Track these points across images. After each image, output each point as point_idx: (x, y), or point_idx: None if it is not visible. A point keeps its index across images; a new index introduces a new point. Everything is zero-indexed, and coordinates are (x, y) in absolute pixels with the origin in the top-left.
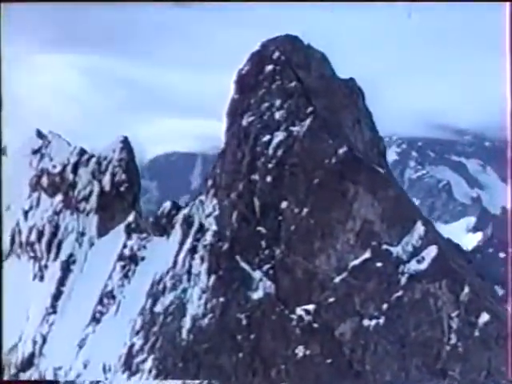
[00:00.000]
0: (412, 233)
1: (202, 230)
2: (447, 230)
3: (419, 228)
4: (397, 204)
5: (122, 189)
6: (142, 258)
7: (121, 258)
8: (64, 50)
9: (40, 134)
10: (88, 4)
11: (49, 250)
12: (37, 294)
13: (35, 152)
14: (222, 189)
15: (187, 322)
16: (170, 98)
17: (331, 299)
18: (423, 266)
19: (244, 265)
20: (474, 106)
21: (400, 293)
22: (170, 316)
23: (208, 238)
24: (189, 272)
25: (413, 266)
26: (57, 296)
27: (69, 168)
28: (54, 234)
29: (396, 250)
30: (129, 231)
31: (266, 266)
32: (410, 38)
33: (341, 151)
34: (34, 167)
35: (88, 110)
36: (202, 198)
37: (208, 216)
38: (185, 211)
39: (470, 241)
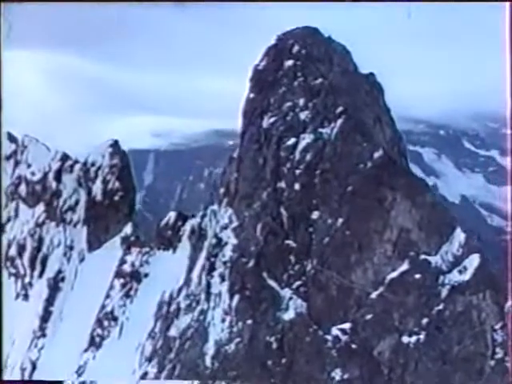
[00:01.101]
0: (451, 241)
1: (218, 243)
2: None
3: (459, 235)
4: (434, 210)
5: (116, 198)
6: (146, 275)
7: (120, 274)
8: (29, 48)
9: (12, 138)
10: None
11: (33, 266)
12: (21, 316)
13: (8, 158)
14: (239, 198)
15: (210, 348)
16: (128, 96)
17: (368, 316)
18: (466, 276)
19: (272, 282)
20: (430, 97)
21: (441, 306)
22: (188, 341)
23: (227, 252)
24: (207, 292)
25: (454, 276)
26: (45, 317)
27: (51, 175)
28: (37, 249)
29: (435, 260)
30: (128, 245)
31: (297, 283)
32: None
33: (376, 155)
34: (8, 175)
35: (45, 110)
36: (214, 207)
37: (224, 228)
38: (193, 222)
39: None
